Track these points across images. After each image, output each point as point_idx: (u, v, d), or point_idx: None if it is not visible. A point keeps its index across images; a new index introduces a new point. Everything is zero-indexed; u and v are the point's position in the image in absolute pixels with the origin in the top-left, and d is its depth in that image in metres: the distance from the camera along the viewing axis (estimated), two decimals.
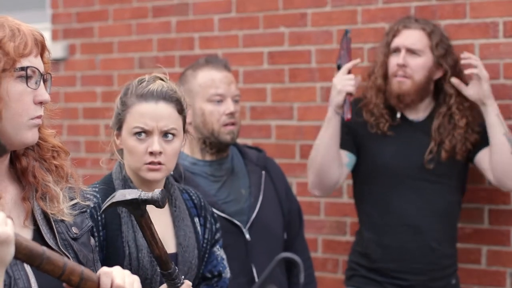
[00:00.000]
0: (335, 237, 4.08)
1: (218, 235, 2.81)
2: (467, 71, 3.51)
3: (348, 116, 3.45)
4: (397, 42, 3.56)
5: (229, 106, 3.22)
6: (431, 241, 3.55)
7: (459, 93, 3.56)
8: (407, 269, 3.56)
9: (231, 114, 3.22)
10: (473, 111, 3.59)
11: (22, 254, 1.73)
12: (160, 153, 2.57)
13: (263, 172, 3.32)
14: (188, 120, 3.24)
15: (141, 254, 2.53)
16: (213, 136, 3.22)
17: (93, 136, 4.83)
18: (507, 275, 3.77)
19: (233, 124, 3.23)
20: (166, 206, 2.66)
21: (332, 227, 4.08)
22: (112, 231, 2.53)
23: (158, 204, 2.31)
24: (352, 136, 3.65)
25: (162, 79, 2.63)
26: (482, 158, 3.57)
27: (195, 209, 2.76)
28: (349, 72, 3.51)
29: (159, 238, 2.41)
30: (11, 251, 1.68)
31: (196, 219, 2.75)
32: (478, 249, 3.83)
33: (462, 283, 3.74)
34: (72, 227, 2.01)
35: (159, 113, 2.58)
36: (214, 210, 3.11)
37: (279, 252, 3.13)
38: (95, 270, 2.03)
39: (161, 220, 2.61)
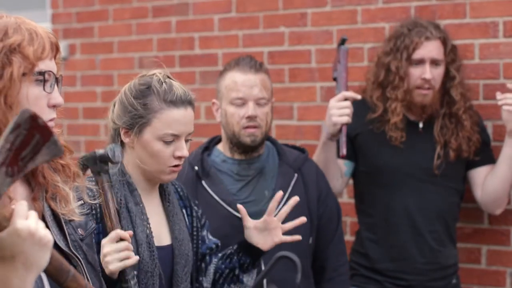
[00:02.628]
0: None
1: (203, 219, 2.86)
2: (504, 107, 3.49)
3: (343, 152, 3.41)
4: (421, 54, 3.52)
5: (248, 109, 3.21)
6: (431, 242, 3.56)
7: (463, 96, 3.57)
8: (407, 269, 3.56)
9: (250, 118, 3.21)
10: (472, 109, 3.63)
11: (52, 266, 1.72)
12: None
13: (296, 175, 3.30)
14: (218, 119, 3.27)
15: (141, 249, 2.56)
16: (235, 138, 3.24)
17: (93, 136, 4.84)
18: (507, 275, 3.77)
19: (254, 127, 3.22)
20: (159, 201, 2.69)
21: None
22: None
23: (110, 159, 2.47)
24: (350, 141, 3.64)
25: (171, 78, 2.69)
26: (478, 174, 3.64)
27: (181, 201, 2.81)
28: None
29: (115, 210, 2.48)
30: (47, 257, 1.68)
31: (184, 211, 2.78)
32: (478, 249, 3.83)
33: (462, 283, 3.74)
34: (78, 228, 2.01)
35: (189, 119, 2.65)
36: (231, 210, 3.15)
37: (296, 256, 3.12)
38: (100, 271, 2.05)
39: (155, 215, 2.65)
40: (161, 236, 2.63)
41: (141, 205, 2.59)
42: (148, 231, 2.58)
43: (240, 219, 3.14)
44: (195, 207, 2.83)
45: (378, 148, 3.61)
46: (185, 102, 2.63)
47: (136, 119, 2.61)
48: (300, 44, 4.24)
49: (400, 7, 3.97)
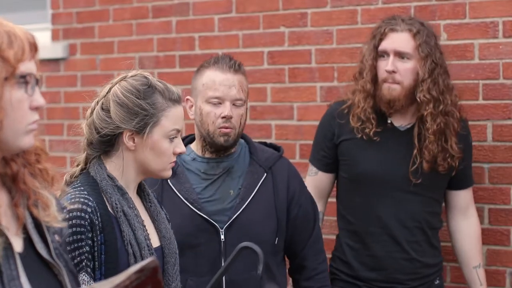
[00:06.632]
0: (334, 237, 4.08)
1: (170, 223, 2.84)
2: None
3: None
4: (384, 45, 3.47)
5: (224, 109, 3.19)
6: (411, 252, 3.52)
7: (434, 99, 3.43)
8: (387, 278, 3.53)
9: (226, 118, 3.18)
10: (452, 115, 3.48)
11: None
12: None
13: (265, 174, 3.27)
14: (192, 117, 3.27)
15: (144, 252, 2.55)
16: (209, 137, 3.21)
17: None
18: (507, 274, 3.77)
19: (229, 128, 3.19)
20: (140, 203, 2.67)
21: (331, 227, 4.08)
22: (109, 233, 2.52)
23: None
24: (335, 147, 3.63)
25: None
26: (453, 198, 3.63)
27: (157, 202, 2.78)
28: None
29: None
30: None
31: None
32: None
33: (462, 283, 3.74)
34: (55, 235, 1.95)
35: (183, 115, 2.67)
36: (193, 209, 3.16)
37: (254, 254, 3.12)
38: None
39: (143, 217, 2.63)
40: (151, 238, 2.62)
41: (134, 208, 2.59)
42: (145, 233, 2.58)
43: (201, 217, 3.16)
44: (164, 211, 2.81)
45: (357, 154, 3.56)
46: (180, 99, 2.64)
47: (148, 120, 2.57)
48: (300, 44, 4.24)
49: (400, 7, 3.98)
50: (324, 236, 3.45)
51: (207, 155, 3.26)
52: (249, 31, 4.37)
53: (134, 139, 2.58)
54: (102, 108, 2.62)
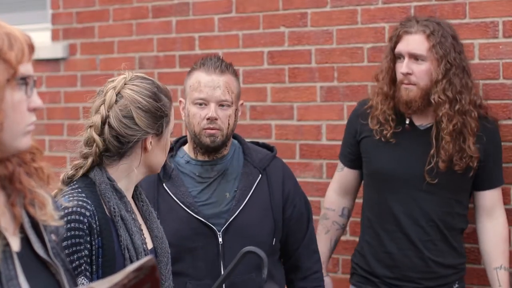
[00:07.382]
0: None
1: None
2: None
3: None
4: (399, 48, 3.48)
5: (209, 111, 3.18)
6: (425, 252, 3.52)
7: (450, 99, 3.43)
8: (400, 276, 3.54)
9: (211, 119, 3.17)
10: (466, 116, 3.46)
11: None
12: None
13: (260, 175, 3.27)
14: (184, 118, 3.27)
15: (140, 256, 2.54)
16: (196, 138, 3.21)
17: None
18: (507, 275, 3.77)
19: (214, 129, 3.18)
20: (133, 202, 2.68)
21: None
22: (107, 237, 2.50)
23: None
24: (357, 143, 3.66)
25: None
26: (479, 198, 3.61)
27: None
28: None
29: None
30: None
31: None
32: (478, 249, 3.83)
33: (469, 284, 3.74)
34: (51, 234, 1.95)
35: None
36: (190, 212, 3.16)
37: (257, 258, 3.12)
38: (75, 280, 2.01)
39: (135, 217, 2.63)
40: (146, 240, 2.62)
41: (132, 212, 2.58)
42: (142, 237, 2.57)
43: (198, 221, 3.16)
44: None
45: (373, 152, 3.60)
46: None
47: (164, 121, 2.58)
48: (300, 44, 4.24)
49: (400, 7, 3.98)
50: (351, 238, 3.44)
51: (200, 157, 3.26)
52: (249, 31, 4.37)
53: (151, 141, 2.58)
54: (123, 116, 2.55)
